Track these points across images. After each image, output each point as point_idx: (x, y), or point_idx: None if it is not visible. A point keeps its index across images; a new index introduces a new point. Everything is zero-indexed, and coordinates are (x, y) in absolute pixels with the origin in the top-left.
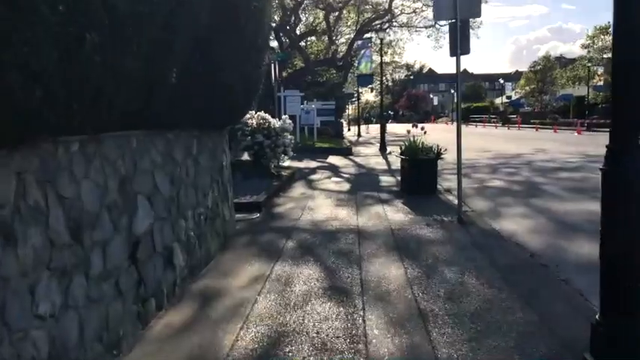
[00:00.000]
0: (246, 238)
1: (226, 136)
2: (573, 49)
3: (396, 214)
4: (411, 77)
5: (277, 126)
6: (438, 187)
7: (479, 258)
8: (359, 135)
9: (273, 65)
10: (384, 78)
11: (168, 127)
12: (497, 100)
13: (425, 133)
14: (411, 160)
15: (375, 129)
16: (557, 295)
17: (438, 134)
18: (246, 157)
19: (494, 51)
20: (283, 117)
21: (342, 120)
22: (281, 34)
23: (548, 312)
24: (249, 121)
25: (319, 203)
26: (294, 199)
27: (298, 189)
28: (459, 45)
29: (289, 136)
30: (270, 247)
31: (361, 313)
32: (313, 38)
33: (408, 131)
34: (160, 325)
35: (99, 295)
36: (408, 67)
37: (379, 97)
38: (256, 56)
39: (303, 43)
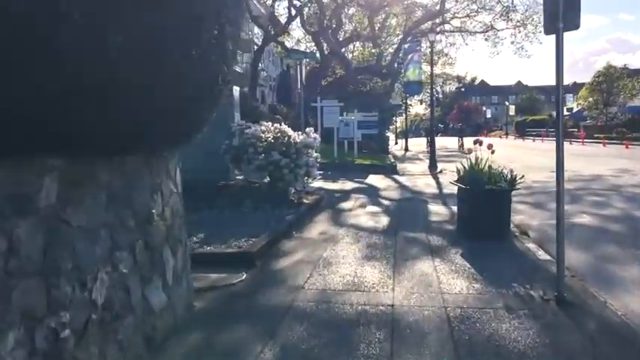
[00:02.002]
0: (193, 340)
1: (171, 163)
2: (633, 60)
3: (453, 279)
4: (462, 89)
5: (298, 141)
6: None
7: None
8: (406, 149)
9: (297, 67)
10: (433, 90)
11: None
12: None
13: (493, 152)
14: (473, 192)
15: (424, 142)
16: None
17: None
18: (256, 177)
19: (548, 63)
20: (307, 130)
21: (389, 133)
22: (321, 39)
23: None
24: (264, 135)
25: (341, 253)
26: (309, 243)
27: (319, 225)
28: (561, 14)
29: (314, 154)
30: None
31: None
32: (358, 45)
33: (467, 150)
34: None
35: None
36: (459, 78)
37: (429, 109)
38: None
39: (344, 50)
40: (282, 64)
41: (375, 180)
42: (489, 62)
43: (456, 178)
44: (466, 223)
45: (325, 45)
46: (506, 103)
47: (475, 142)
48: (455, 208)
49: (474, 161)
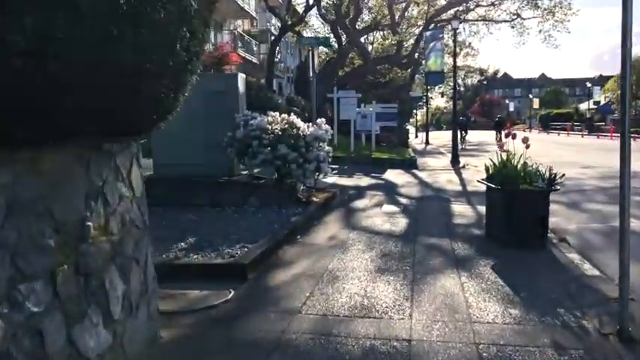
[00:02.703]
0: None
1: (121, 158)
2: None
3: (484, 301)
4: (484, 82)
5: (308, 133)
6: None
7: None
8: (427, 143)
9: (310, 53)
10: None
11: None
12: (583, 106)
13: (528, 146)
14: (505, 192)
15: (445, 136)
16: None
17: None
18: (263, 172)
19: (573, 55)
20: (318, 121)
21: (409, 126)
22: (339, 29)
23: None
24: (271, 127)
25: (350, 264)
26: (314, 250)
27: (328, 228)
28: None
29: (326, 148)
30: None
31: None
32: (378, 37)
33: (499, 143)
34: None
35: None
36: (481, 71)
37: (450, 102)
38: None
39: (364, 40)
40: (300, 55)
41: (393, 175)
42: (512, 54)
43: (484, 176)
44: (496, 228)
45: (343, 35)
46: (530, 96)
47: (507, 136)
48: (482, 209)
49: (504, 157)
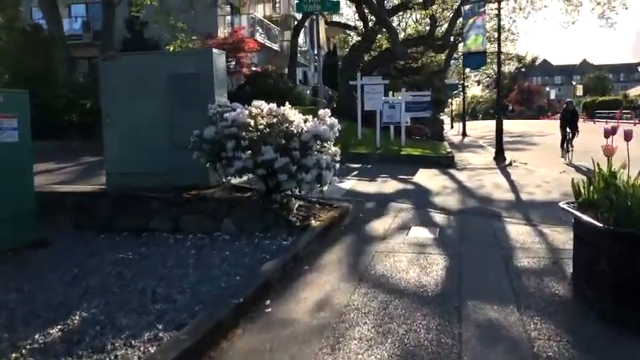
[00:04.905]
0: None
1: None
2: None
3: None
4: (523, 69)
5: (306, 130)
6: None
7: None
8: (464, 135)
9: (314, 21)
10: (490, 70)
11: None
12: (633, 92)
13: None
14: (628, 238)
15: (483, 126)
16: None
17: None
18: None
19: (613, 41)
20: (320, 113)
21: (443, 116)
22: (365, 8)
23: None
24: (254, 121)
25: None
26: (282, 342)
27: (321, 280)
28: None
29: (332, 149)
30: None
31: None
32: (410, 22)
33: (607, 150)
34: None
35: None
36: (519, 58)
37: (486, 90)
38: None
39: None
40: (329, 43)
41: (425, 177)
42: (552, 40)
43: (572, 200)
44: (598, 289)
45: (370, 18)
46: (573, 83)
47: (608, 134)
48: (551, 234)
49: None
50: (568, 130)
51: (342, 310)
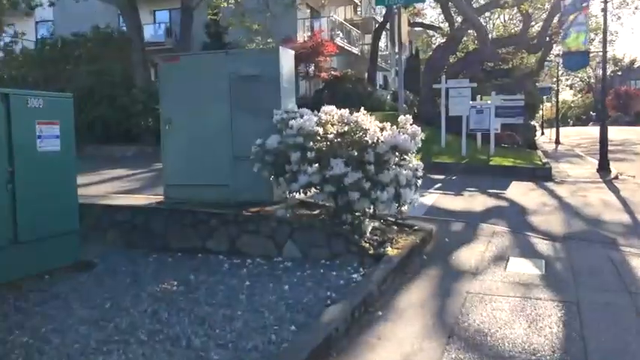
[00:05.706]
0: None
1: None
2: None
3: None
4: (619, 73)
5: (383, 140)
6: None
7: None
8: (557, 142)
9: (396, 13)
10: (584, 73)
11: None
12: None
13: None
14: None
15: (575, 133)
16: None
17: None
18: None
19: None
20: (400, 119)
21: (533, 122)
22: (451, 7)
23: None
24: (319, 129)
25: None
26: None
27: (396, 333)
28: None
29: (413, 162)
30: None
31: None
32: (499, 23)
33: None
34: None
35: None
36: (615, 61)
37: (578, 95)
38: None
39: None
40: (411, 47)
41: (519, 192)
42: None
43: None
44: None
45: (457, 17)
46: None
47: None
48: None
49: None
50: None
51: None
